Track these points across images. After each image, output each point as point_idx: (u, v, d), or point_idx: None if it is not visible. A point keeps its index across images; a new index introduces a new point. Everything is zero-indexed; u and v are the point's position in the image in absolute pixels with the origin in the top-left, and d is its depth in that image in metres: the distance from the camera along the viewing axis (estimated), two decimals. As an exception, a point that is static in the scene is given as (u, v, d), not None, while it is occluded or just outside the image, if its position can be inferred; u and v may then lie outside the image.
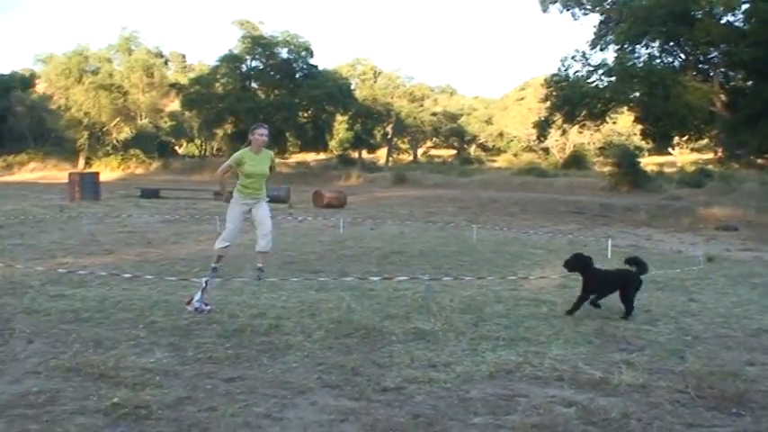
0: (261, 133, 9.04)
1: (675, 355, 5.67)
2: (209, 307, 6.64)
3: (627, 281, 7.23)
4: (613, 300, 7.30)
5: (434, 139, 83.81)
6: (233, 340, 5.64)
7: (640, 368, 5.17)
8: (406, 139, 79.38)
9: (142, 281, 8.14)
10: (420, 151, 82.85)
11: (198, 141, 71.35)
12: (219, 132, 58.53)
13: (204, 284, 6.78)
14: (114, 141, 58.54)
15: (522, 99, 77.73)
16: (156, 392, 4.34)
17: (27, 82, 69.01)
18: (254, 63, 54.41)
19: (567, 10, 30.44)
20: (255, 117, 50.17)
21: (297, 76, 54.39)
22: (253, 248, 11.04)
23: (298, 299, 7.37)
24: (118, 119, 58.02)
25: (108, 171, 51.75)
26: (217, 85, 54.00)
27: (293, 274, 9.20)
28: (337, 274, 9.37)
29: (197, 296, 6.68)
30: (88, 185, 26.20)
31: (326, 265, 10.46)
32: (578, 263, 7.31)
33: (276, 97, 53.46)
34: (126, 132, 58.08)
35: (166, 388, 4.44)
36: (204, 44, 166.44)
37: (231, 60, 53.37)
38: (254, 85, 55.47)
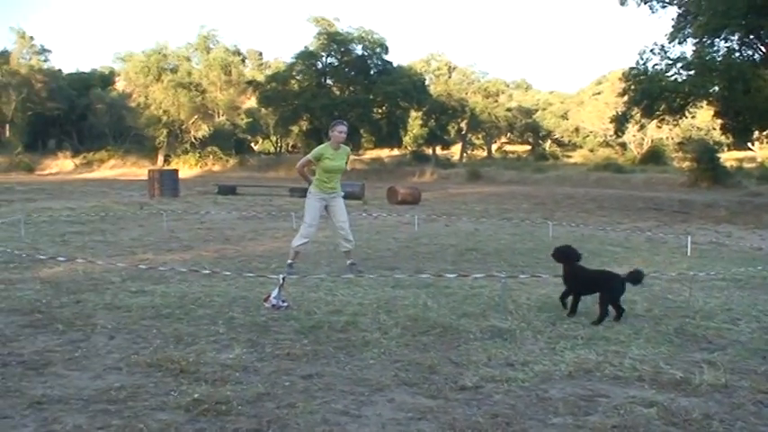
0: (340, 130, 9.15)
1: (758, 354, 5.54)
2: (286, 303, 6.74)
3: (607, 283, 6.81)
4: (694, 298, 7.18)
5: (509, 134, 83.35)
6: (310, 337, 5.71)
7: (722, 368, 5.06)
8: (480, 135, 79.12)
9: (221, 277, 8.28)
10: (494, 147, 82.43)
11: (273, 138, 72.20)
12: (295, 129, 59.15)
13: (281, 281, 6.88)
14: (192, 139, 59.72)
15: (599, 94, 76.61)
16: (235, 388, 4.42)
17: (107, 80, 71.15)
18: (330, 60, 54.76)
19: (645, 3, 30.00)
20: (330, 114, 50.71)
21: (371, 72, 54.59)
22: (327, 244, 11.18)
23: (374, 295, 7.41)
24: (196, 116, 59.18)
25: (186, 168, 52.86)
26: (292, 82, 54.56)
27: (369, 270, 9.24)
28: (413, 270, 9.39)
29: (274, 293, 6.77)
30: (167, 182, 26.76)
31: (402, 262, 10.49)
32: (561, 254, 7.10)
33: (351, 94, 53.77)
34: (204, 130, 59.19)
35: (246, 384, 4.52)
36: (281, 41, 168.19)
37: (307, 57, 53.86)
38: (329, 81, 55.86)
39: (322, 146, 9.32)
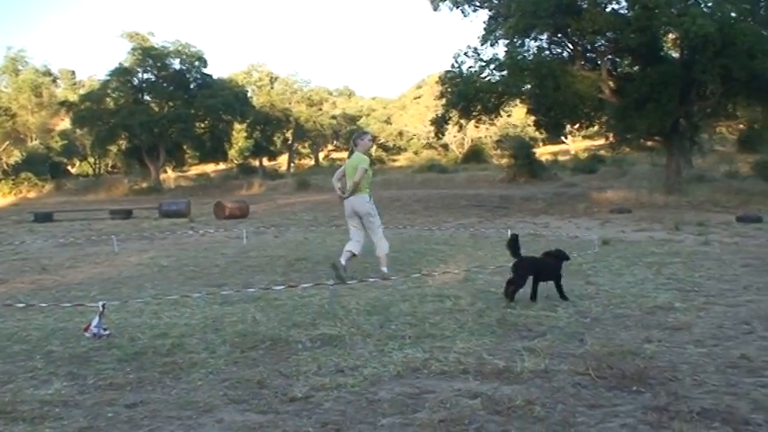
0: (371, 138, 10.48)
1: (575, 338, 5.82)
2: (108, 331, 6.46)
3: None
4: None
5: (335, 142, 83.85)
6: (134, 364, 5.49)
7: (542, 354, 5.28)
8: (306, 144, 79.16)
9: (37, 309, 7.85)
10: (321, 155, 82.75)
11: (91, 159, 69.48)
12: (113, 149, 57.20)
13: (102, 309, 6.60)
14: (4, 166, 56.57)
15: (419, 97, 78.66)
16: (55, 425, 4.19)
17: None
18: (146, 75, 53.27)
19: (457, 7, 30.85)
20: (150, 131, 49.43)
21: (191, 86, 53.54)
22: (151, 266, 10.91)
23: (201, 315, 7.24)
24: (7, 143, 56.13)
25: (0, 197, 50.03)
26: (108, 100, 52.63)
27: (195, 289, 9.02)
28: (241, 285, 9.26)
29: (95, 321, 6.49)
30: (-22, 213, 25.25)
31: (230, 278, 10.33)
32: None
33: (171, 109, 52.44)
34: (16, 156, 56.23)
35: (66, 419, 4.29)
36: (94, 59, 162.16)
37: (122, 74, 52.09)
38: (146, 97, 54.30)
39: (365, 156, 9.87)
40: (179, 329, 6.56)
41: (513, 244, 7.62)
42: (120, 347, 6.00)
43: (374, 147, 79.01)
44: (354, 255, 9.91)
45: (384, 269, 9.76)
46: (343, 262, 9.64)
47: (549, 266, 7.62)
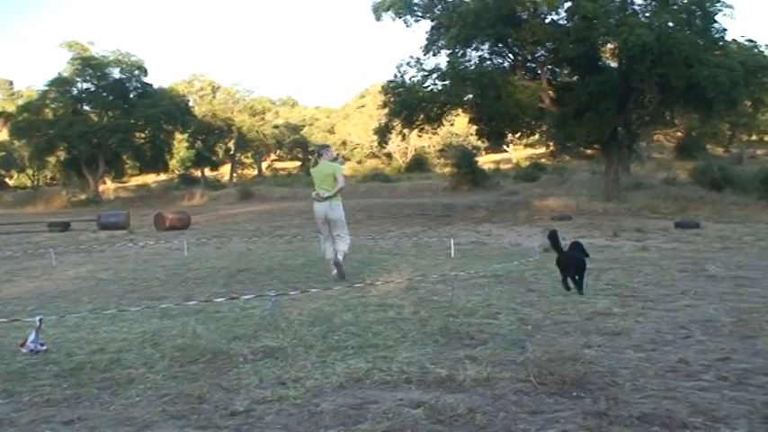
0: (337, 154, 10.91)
1: (517, 345, 5.84)
2: (45, 347, 6.31)
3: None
4: (457, 297, 7.51)
5: (278, 151, 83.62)
6: (71, 380, 5.36)
7: (484, 362, 5.28)
8: (249, 154, 78.73)
9: (-29, 326, 7.64)
10: (264, 165, 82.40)
11: (30, 171, 68.13)
12: (52, 160, 56.24)
13: (38, 323, 6.45)
14: (-60, 178, 55.27)
15: (363, 107, 78.86)
16: (-12, 444, 4.09)
17: None
18: (86, 85, 52.47)
19: (400, 17, 31.02)
20: (89, 141, 48.69)
21: (131, 95, 52.90)
22: (89, 280, 10.73)
23: (140, 329, 7.10)
24: (-57, 158, 54.86)
25: (-65, 212, 48.77)
26: (46, 110, 51.76)
27: (134, 302, 8.87)
28: (181, 298, 9.10)
29: (31, 336, 6.33)
30: None
31: (170, 291, 10.16)
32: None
33: (110, 119, 51.73)
34: (-48, 169, 54.99)
35: (0, 438, 4.19)
36: (33, 69, 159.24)
37: (60, 84, 51.27)
38: (86, 108, 53.48)
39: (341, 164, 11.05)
40: (117, 344, 6.43)
41: (554, 240, 8.72)
42: (57, 363, 5.85)
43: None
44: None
45: (340, 257, 10.52)
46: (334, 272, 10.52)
47: (580, 261, 8.45)
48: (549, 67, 31.25)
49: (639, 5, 28.89)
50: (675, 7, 27.17)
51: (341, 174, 10.62)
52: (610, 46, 29.85)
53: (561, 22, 28.99)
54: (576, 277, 8.39)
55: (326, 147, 11.55)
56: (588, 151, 37.88)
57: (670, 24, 26.07)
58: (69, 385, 5.20)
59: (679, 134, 52.63)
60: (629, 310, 7.23)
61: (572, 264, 8.42)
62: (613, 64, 30.61)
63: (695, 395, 4.43)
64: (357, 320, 7.02)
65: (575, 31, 26.66)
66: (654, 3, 28.19)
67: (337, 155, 12.74)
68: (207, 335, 6.63)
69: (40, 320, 6.52)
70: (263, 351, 5.95)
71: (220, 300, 8.27)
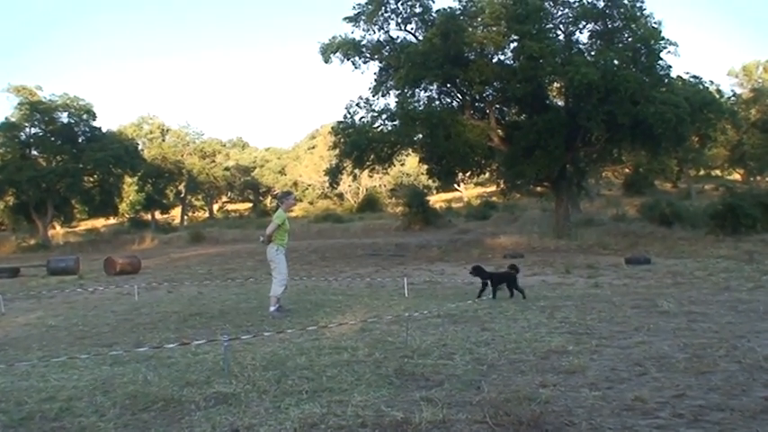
0: (295, 197, 13.20)
1: (472, 385, 5.82)
2: (-9, 397, 6.14)
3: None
4: (411, 338, 7.48)
5: (229, 193, 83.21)
6: (21, 430, 5.22)
7: (440, 403, 5.25)
8: (200, 196, 78.21)
9: None
10: (216, 207, 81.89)
11: (-23, 217, 66.77)
12: (0, 205, 55.24)
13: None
14: None
15: (314, 147, 79.10)
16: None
17: None
18: (34, 130, 51.75)
19: (348, 59, 31.28)
20: (38, 186, 47.89)
21: (80, 139, 52.29)
22: (39, 326, 10.53)
23: (90, 376, 6.94)
24: None
25: None
26: (-6, 155, 50.93)
27: (84, 349, 8.67)
28: (132, 344, 8.93)
29: (-23, 387, 6.16)
30: None
31: (121, 336, 9.95)
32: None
33: (59, 164, 50.96)
34: None
35: (-56, 495, 4.04)
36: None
37: (8, 129, 50.41)
38: (34, 152, 52.68)
39: (282, 213, 11.62)
40: (67, 392, 6.27)
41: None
42: (5, 413, 5.69)
43: (269, 198, 79.17)
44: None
45: (271, 308, 11.42)
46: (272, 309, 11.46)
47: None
48: (498, 106, 31.70)
49: (584, 44, 29.60)
50: (620, 45, 27.81)
51: (274, 223, 11.54)
52: (556, 85, 30.41)
53: (508, 61, 29.46)
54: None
55: (287, 194, 12.68)
56: (538, 189, 38.31)
57: (615, 62, 26.64)
58: (17, 436, 5.05)
59: (627, 170, 53.57)
60: (583, 347, 7.26)
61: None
62: (560, 102, 31.16)
63: (652, 433, 4.44)
64: (311, 364, 6.94)
65: (521, 71, 27.07)
66: (599, 41, 28.88)
67: (288, 192, 13.08)
68: (158, 382, 6.50)
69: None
70: (215, 397, 5.85)
71: (172, 345, 8.13)
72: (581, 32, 29.92)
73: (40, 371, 7.41)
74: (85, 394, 6.21)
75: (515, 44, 28.38)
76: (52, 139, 51.66)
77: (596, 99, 25.65)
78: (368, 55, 31.47)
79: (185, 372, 6.95)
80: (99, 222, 68.16)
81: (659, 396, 5.31)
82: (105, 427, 5.15)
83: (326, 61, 31.48)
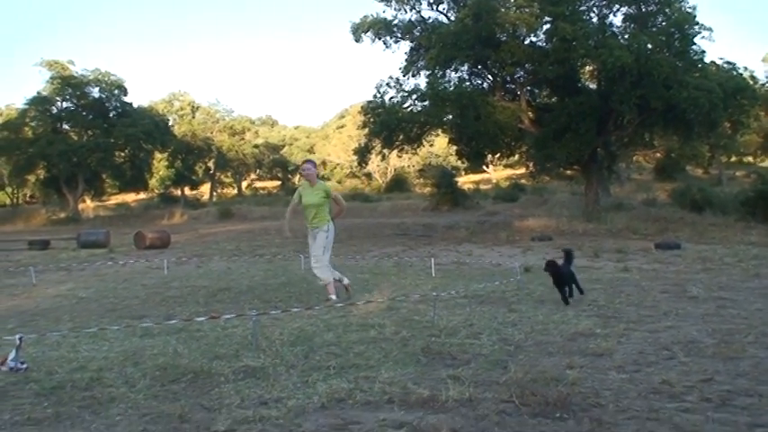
0: (304, 168, 10.49)
1: (499, 365, 5.82)
2: (25, 365, 6.23)
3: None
4: (438, 317, 7.51)
5: (258, 171, 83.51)
6: (52, 398, 5.30)
7: (467, 382, 5.26)
8: (229, 173, 78.60)
9: (-51, 345, 7.55)
10: (244, 184, 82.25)
11: (9, 189, 67.64)
12: (31, 178, 55.91)
13: (19, 342, 6.37)
14: None
15: (343, 127, 79.11)
16: (-33, 464, 4.03)
17: None
18: (65, 104, 52.25)
19: (379, 39, 31.22)
20: (69, 160, 48.38)
21: (111, 114, 52.75)
22: (70, 298, 10.62)
23: (120, 348, 7.03)
24: None
25: None
26: (26, 129, 51.50)
27: (114, 321, 8.79)
28: (162, 317, 9.03)
29: (12, 355, 6.25)
30: None
31: (150, 309, 10.08)
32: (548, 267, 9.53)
33: (90, 138, 51.53)
34: (-69, 188, 54.46)
35: (-21, 457, 4.13)
36: (13, 87, 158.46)
37: (40, 103, 51.05)
38: (66, 126, 53.24)
39: (299, 187, 10.50)
40: (97, 363, 6.36)
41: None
42: (37, 381, 5.78)
43: (298, 176, 79.36)
44: (338, 280, 10.50)
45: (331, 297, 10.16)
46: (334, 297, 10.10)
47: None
48: (529, 88, 31.50)
49: (618, 27, 29.31)
50: (654, 29, 27.50)
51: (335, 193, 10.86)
52: (589, 67, 30.14)
53: (540, 43, 29.25)
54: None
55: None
56: (568, 172, 38.11)
57: (649, 46, 26.34)
58: (50, 404, 5.14)
59: (658, 155, 53.08)
60: (611, 330, 7.24)
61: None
62: (593, 85, 30.88)
63: (679, 417, 4.43)
64: (339, 340, 6.98)
65: (554, 53, 26.88)
66: (632, 25, 28.57)
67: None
68: (188, 354, 6.57)
69: (21, 339, 6.45)
70: (244, 370, 5.89)
71: (201, 319, 8.21)
72: (615, 15, 29.72)
73: (71, 341, 7.50)
74: (116, 365, 6.28)
75: (548, 26, 28.16)
76: (83, 113, 52.18)
77: (629, 83, 25.42)
78: (399, 35, 31.40)
79: (214, 345, 7.01)
80: (129, 197, 68.78)
81: (687, 380, 5.27)
82: (135, 398, 5.22)
83: (357, 40, 31.48)
